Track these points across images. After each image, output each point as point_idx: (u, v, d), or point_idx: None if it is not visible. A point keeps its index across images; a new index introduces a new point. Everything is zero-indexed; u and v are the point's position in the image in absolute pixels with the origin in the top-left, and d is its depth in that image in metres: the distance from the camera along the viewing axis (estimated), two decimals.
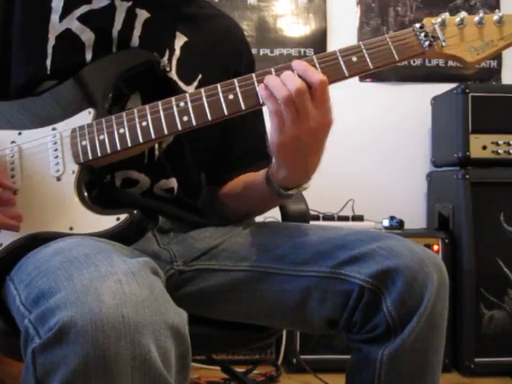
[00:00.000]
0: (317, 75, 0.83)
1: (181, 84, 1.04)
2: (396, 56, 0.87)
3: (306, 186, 0.94)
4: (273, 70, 0.87)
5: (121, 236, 0.86)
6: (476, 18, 0.87)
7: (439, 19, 0.87)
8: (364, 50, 0.86)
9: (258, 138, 1.16)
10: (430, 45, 0.87)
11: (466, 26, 0.87)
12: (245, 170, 1.11)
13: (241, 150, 1.14)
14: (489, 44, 0.87)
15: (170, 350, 0.64)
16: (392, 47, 0.87)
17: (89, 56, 0.99)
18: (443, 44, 0.87)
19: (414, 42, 0.87)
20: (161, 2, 1.05)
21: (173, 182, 1.06)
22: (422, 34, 0.87)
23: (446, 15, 0.87)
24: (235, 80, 0.88)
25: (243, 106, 0.87)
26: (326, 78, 0.84)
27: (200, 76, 1.07)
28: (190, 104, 0.88)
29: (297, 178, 0.93)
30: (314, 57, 0.87)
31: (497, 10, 0.88)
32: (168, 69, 1.02)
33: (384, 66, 0.87)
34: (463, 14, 0.87)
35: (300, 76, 0.84)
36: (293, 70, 0.85)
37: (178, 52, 1.05)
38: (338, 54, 0.87)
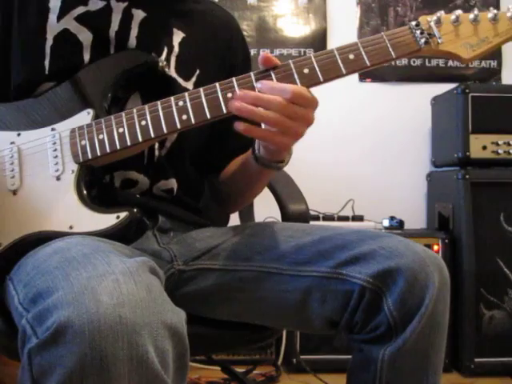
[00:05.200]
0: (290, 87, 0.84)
1: (180, 80, 1.04)
2: (393, 53, 0.87)
3: (290, 155, 0.97)
4: (272, 72, 0.87)
5: (121, 235, 0.85)
6: (471, 16, 0.88)
7: (435, 17, 0.88)
8: (361, 48, 0.87)
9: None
10: (425, 42, 0.87)
11: (461, 23, 0.88)
12: (240, 155, 1.13)
13: (236, 138, 1.14)
14: (484, 41, 0.87)
15: (168, 350, 0.64)
16: (388, 44, 0.87)
17: (87, 56, 0.99)
18: (439, 41, 0.87)
19: (410, 39, 0.87)
20: (156, 1, 1.04)
21: (172, 183, 1.06)
22: (418, 32, 0.87)
23: (441, 13, 0.88)
24: (234, 79, 0.88)
25: None
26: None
27: (198, 71, 1.07)
28: (188, 102, 0.88)
29: (282, 157, 0.96)
30: (312, 55, 0.87)
31: (491, 8, 0.88)
32: (167, 68, 1.02)
33: (381, 63, 0.88)
34: (458, 11, 0.88)
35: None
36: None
37: (176, 49, 1.05)
38: (336, 51, 0.87)
